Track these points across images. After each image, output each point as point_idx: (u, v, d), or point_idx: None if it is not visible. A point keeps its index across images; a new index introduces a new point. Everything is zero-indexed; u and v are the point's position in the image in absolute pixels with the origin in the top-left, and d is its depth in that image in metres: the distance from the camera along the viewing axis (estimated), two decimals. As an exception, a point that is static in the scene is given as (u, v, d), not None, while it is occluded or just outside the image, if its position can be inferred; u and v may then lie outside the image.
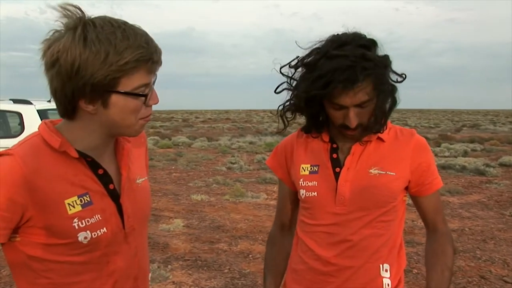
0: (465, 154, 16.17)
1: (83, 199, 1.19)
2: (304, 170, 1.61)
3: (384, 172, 1.53)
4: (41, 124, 1.23)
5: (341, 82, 1.38)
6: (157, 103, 1.22)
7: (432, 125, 40.81)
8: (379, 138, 1.57)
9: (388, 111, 1.52)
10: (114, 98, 1.13)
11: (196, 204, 8.46)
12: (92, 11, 1.14)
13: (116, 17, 1.15)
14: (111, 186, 1.25)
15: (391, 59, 1.49)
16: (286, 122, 1.62)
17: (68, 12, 1.11)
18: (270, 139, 21.26)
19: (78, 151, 1.19)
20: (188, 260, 5.42)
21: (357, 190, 1.53)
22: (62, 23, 1.12)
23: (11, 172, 1.11)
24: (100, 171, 1.24)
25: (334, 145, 1.60)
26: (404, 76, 1.52)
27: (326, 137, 1.61)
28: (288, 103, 1.58)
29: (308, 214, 1.62)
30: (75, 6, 1.11)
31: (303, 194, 1.61)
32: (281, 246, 1.80)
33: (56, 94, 1.15)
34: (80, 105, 1.14)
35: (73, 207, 1.17)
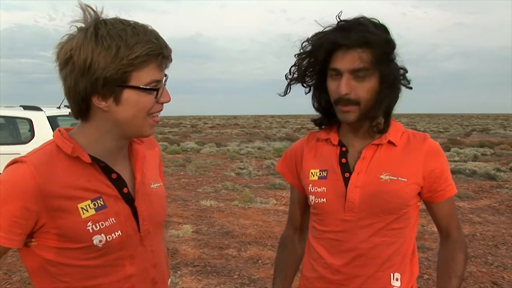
0: (475, 158, 16.05)
1: (97, 203, 1.20)
2: (313, 176, 1.59)
3: (395, 178, 1.50)
4: (55, 131, 1.26)
5: (333, 36, 1.42)
6: (169, 101, 1.24)
7: (442, 130, 40.59)
8: (390, 142, 1.53)
9: (387, 98, 1.47)
10: (126, 94, 1.16)
11: (205, 209, 8.46)
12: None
13: None
14: (125, 190, 1.26)
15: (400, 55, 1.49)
16: (289, 88, 1.60)
17: (85, 13, 1.15)
18: (279, 145, 21.24)
19: (91, 157, 1.21)
20: (198, 266, 5.41)
21: (367, 196, 1.49)
22: (76, 27, 1.16)
23: (24, 180, 1.14)
24: (114, 176, 1.25)
25: (343, 149, 1.57)
26: (405, 70, 1.51)
27: (335, 139, 1.58)
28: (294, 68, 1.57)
29: (318, 220, 1.60)
30: (90, 7, 1.16)
31: (312, 200, 1.59)
32: (292, 250, 1.79)
33: (70, 93, 1.17)
34: (93, 102, 1.17)
35: (87, 211, 1.19)
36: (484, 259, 5.66)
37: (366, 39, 1.40)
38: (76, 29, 1.16)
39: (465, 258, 1.60)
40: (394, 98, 1.50)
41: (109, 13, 1.17)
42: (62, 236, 1.17)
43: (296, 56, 1.55)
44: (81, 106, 1.19)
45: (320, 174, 1.58)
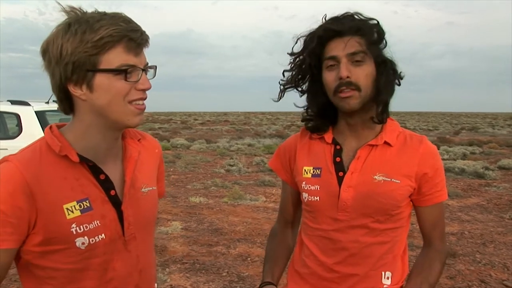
0: (464, 157, 16.15)
1: (82, 204, 1.19)
2: (306, 173, 1.58)
3: (389, 179, 1.48)
4: (46, 128, 1.25)
5: (327, 25, 1.46)
6: (148, 88, 1.21)
7: (431, 128, 40.83)
8: (386, 143, 1.52)
9: (388, 84, 1.48)
10: (98, 79, 1.15)
11: (194, 206, 8.43)
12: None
13: None
14: (112, 192, 1.24)
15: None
16: (282, 94, 1.61)
17: (69, 13, 1.16)
18: (269, 142, 21.25)
19: (80, 156, 1.19)
20: (186, 263, 5.39)
21: (360, 197, 1.48)
22: None
23: (12, 179, 1.12)
24: (102, 177, 1.23)
25: (338, 147, 1.55)
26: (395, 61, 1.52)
27: (329, 138, 1.57)
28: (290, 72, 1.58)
29: (311, 217, 1.59)
30: (74, 7, 1.17)
31: (305, 198, 1.58)
32: (281, 239, 1.78)
33: (52, 86, 1.18)
34: (71, 92, 1.17)
35: (72, 212, 1.17)
36: (472, 257, 5.69)
37: (358, 25, 1.44)
38: None
39: (441, 269, 1.57)
40: (392, 85, 1.50)
41: (100, 7, 1.21)
42: (47, 237, 1.15)
43: (288, 54, 1.55)
44: (61, 97, 1.19)
45: (313, 171, 1.57)
